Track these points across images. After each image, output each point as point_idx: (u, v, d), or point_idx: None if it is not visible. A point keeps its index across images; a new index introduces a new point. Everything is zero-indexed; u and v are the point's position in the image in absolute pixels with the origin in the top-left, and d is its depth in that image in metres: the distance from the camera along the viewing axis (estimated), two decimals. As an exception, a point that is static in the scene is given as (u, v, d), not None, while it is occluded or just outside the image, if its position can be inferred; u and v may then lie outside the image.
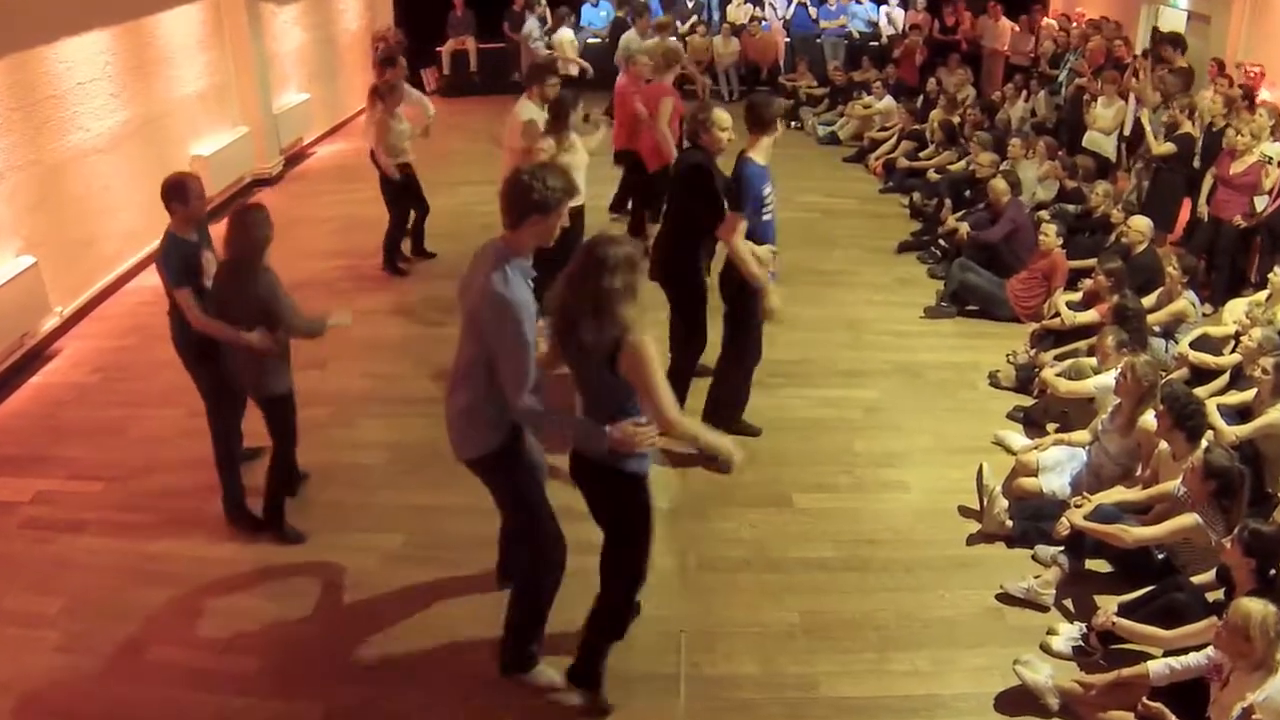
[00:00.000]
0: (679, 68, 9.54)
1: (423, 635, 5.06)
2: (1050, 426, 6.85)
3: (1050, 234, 8.51)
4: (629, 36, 13.39)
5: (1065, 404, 6.83)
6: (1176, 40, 11.60)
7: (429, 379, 7.38)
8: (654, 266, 6.40)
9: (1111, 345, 6.53)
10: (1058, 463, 6.09)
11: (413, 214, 9.88)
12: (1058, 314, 7.89)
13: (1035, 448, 6.32)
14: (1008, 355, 7.88)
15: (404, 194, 9.55)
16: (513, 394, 4.09)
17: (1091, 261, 8.28)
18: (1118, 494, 5.65)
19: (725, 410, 6.74)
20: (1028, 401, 7.24)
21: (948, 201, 10.67)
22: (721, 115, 6.23)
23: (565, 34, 15.06)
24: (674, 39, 11.02)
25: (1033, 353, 7.73)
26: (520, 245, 4.25)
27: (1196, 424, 5.51)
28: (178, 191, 5.57)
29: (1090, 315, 7.64)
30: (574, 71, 15.08)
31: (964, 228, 9.55)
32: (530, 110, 8.22)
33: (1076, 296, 8.06)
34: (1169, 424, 5.50)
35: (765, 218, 6.07)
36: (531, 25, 16.59)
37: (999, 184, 9.41)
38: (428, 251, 10.07)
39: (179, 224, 5.61)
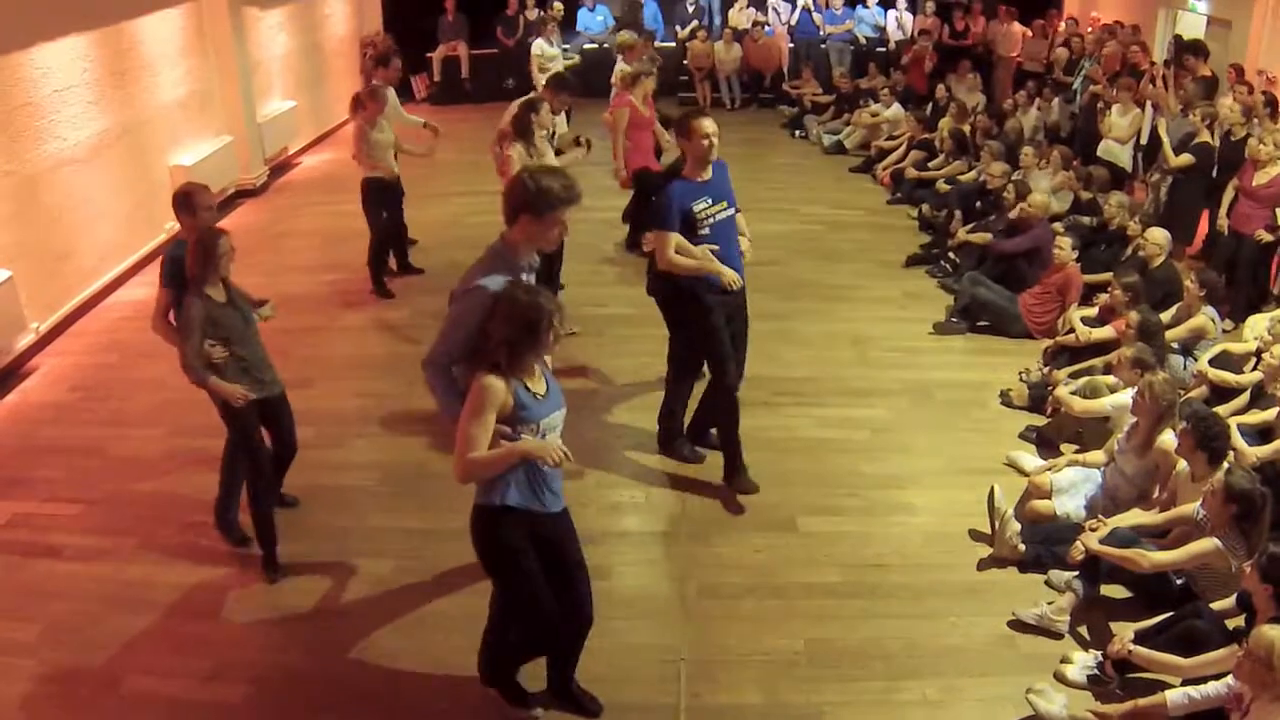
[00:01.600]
0: (646, 81, 9.84)
1: (414, 662, 5.08)
2: (1065, 447, 6.90)
3: (1065, 247, 8.55)
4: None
5: (1080, 424, 6.89)
6: (1199, 48, 11.65)
7: (419, 398, 7.39)
8: (648, 281, 6.50)
9: (1129, 362, 6.57)
10: (1072, 484, 6.13)
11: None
12: (1072, 330, 7.94)
13: (1049, 469, 6.35)
14: (1020, 373, 7.93)
15: (383, 205, 9.49)
16: (430, 352, 4.33)
17: (1107, 275, 8.36)
18: (1134, 517, 5.69)
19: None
20: (1041, 421, 7.27)
21: (957, 213, 10.74)
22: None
23: (539, 44, 15.29)
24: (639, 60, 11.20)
25: (1046, 370, 7.78)
26: (513, 243, 4.40)
27: (1220, 445, 5.52)
28: (184, 203, 5.81)
29: (1106, 331, 7.69)
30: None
31: (983, 238, 9.61)
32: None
33: (1092, 312, 8.11)
34: (1191, 445, 5.52)
35: (703, 232, 6.05)
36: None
37: (1040, 199, 9.45)
38: (414, 267, 10.15)
39: (187, 233, 5.80)
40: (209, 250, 5.43)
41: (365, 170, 9.30)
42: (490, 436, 4.01)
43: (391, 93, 10.05)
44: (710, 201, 6.06)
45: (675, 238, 5.99)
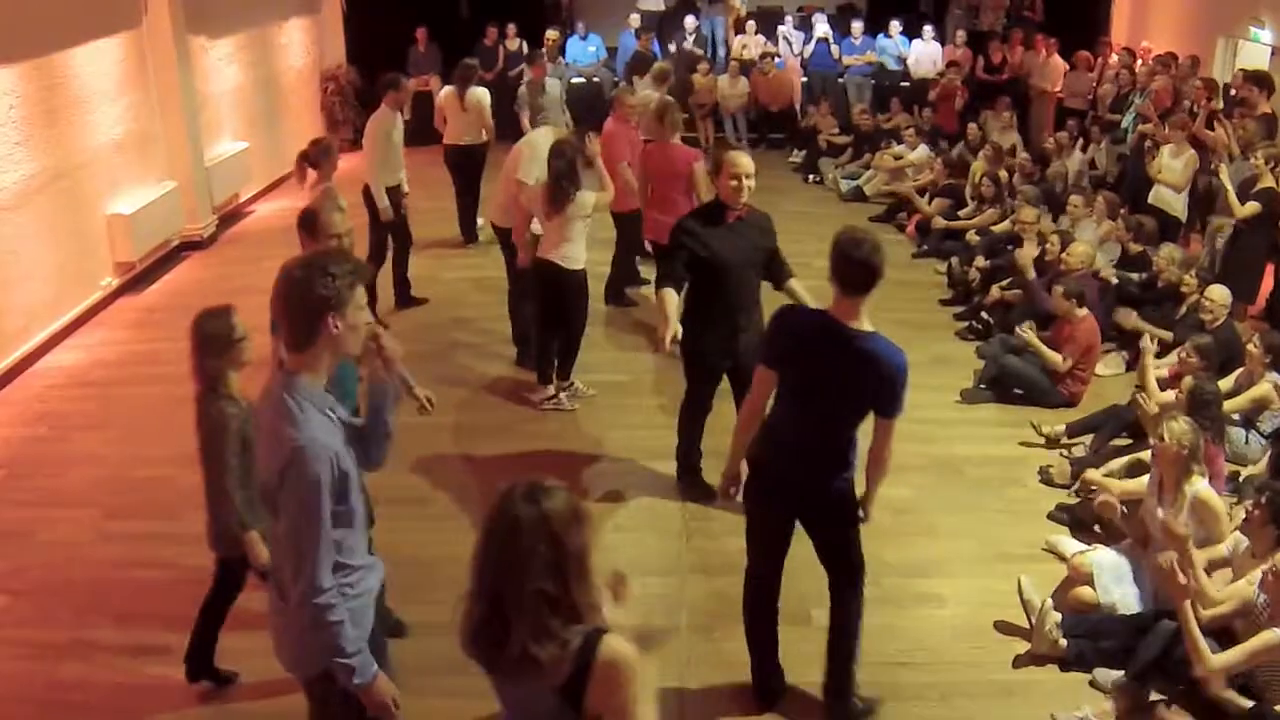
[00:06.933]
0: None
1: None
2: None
3: (1058, 295, 8.75)
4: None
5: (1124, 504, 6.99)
6: (1263, 80, 11.72)
7: (393, 476, 7.46)
8: None
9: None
10: (1116, 565, 6.17)
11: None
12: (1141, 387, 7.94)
13: (1090, 549, 6.40)
14: (1060, 448, 8.06)
15: None
16: (305, 584, 3.62)
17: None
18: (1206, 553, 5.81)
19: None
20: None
21: (978, 262, 11.01)
22: (738, 158, 6.87)
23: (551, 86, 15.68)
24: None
25: (1068, 440, 8.03)
26: (296, 371, 3.70)
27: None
28: (309, 223, 5.76)
29: (1168, 396, 7.74)
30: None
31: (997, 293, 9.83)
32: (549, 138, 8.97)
33: (1162, 373, 8.13)
34: (1265, 518, 5.56)
35: None
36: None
37: (1081, 249, 9.60)
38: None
39: None
40: (230, 332, 5.01)
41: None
42: None
43: (399, 121, 10.32)
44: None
45: None
